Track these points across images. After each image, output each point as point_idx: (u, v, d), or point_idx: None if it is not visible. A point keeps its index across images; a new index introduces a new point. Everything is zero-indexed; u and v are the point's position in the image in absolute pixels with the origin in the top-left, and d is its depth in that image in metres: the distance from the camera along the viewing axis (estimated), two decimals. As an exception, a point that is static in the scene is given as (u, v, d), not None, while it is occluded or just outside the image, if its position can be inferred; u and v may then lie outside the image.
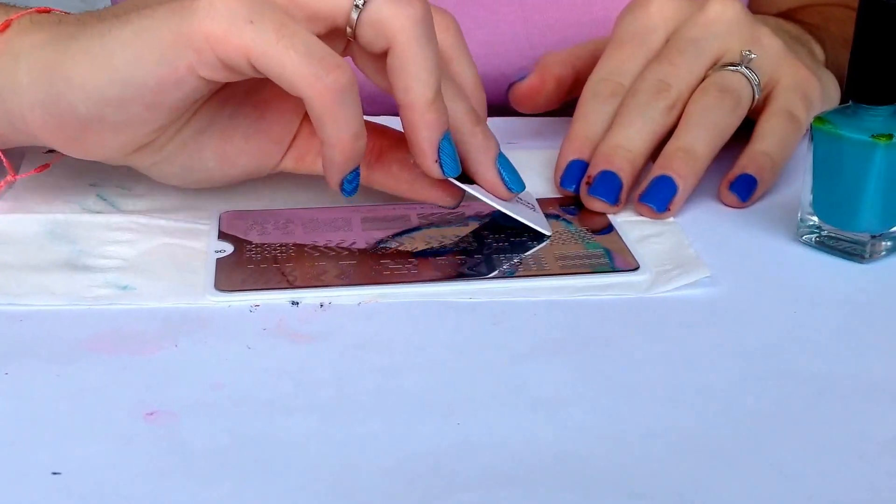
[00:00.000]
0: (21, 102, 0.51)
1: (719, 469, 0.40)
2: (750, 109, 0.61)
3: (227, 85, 0.52)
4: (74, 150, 0.53)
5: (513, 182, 0.55)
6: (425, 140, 0.52)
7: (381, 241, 0.55)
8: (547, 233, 0.55)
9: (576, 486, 0.39)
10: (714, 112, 0.59)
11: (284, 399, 0.44)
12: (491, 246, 0.54)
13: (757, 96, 0.61)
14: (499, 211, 0.55)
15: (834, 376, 0.46)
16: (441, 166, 0.53)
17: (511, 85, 0.67)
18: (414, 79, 0.50)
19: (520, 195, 0.57)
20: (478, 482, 0.39)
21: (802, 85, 0.62)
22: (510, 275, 0.52)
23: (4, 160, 0.57)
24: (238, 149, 0.55)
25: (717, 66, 0.61)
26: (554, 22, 0.73)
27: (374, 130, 0.57)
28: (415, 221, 0.57)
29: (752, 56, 0.61)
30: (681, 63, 0.60)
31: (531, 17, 0.76)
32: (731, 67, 0.61)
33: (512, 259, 0.53)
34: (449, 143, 0.53)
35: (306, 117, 0.57)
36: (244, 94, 0.55)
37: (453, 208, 0.57)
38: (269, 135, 0.56)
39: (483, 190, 0.55)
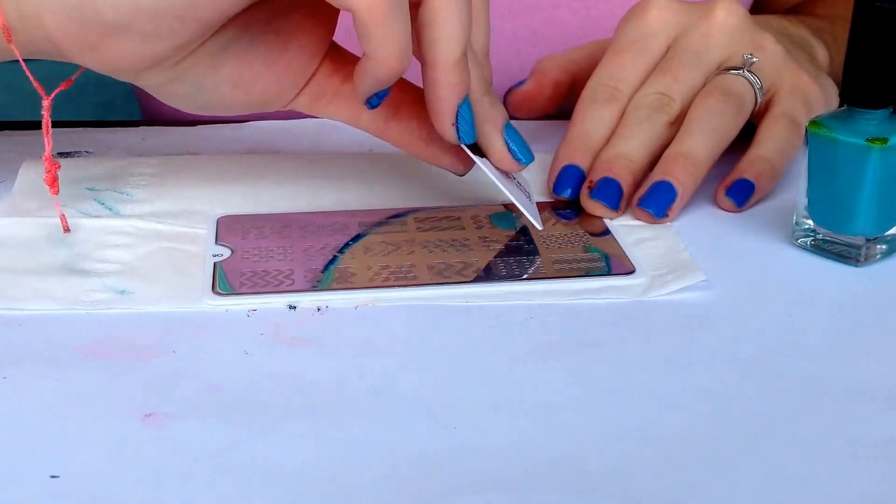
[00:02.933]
0: (39, 3, 0.49)
1: (714, 472, 0.41)
2: (752, 113, 0.61)
3: (251, 7, 0.51)
4: (88, 59, 0.51)
5: (521, 152, 0.54)
6: (445, 101, 0.51)
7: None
8: (538, 226, 0.55)
9: (571, 489, 0.40)
10: (716, 116, 0.59)
11: (281, 402, 0.44)
12: (488, 250, 0.55)
13: (759, 100, 0.61)
14: (503, 196, 0.55)
15: (828, 379, 0.46)
16: (457, 131, 0.52)
17: (509, 91, 0.67)
18: (443, 35, 0.49)
19: (521, 183, 0.56)
20: (473, 485, 0.40)
21: (804, 90, 0.62)
22: (507, 278, 0.52)
23: (33, 80, 0.54)
24: (256, 76, 0.54)
25: (720, 69, 0.61)
26: (541, 29, 0.74)
27: (396, 83, 0.55)
28: (412, 225, 0.57)
29: (754, 59, 0.61)
30: (683, 77, 0.60)
31: (524, 50, 0.76)
32: (734, 71, 0.61)
33: (509, 263, 0.53)
34: (468, 109, 0.52)
35: (327, 56, 0.56)
36: (267, 20, 0.53)
37: (461, 175, 0.57)
38: (289, 66, 0.55)
39: (491, 165, 0.54)
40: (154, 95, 0.55)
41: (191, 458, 0.41)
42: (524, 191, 0.56)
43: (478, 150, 0.55)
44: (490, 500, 0.39)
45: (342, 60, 0.56)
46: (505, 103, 0.67)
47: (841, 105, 0.54)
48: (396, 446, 0.42)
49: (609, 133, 0.60)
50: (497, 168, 0.55)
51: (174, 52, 0.51)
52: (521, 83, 0.67)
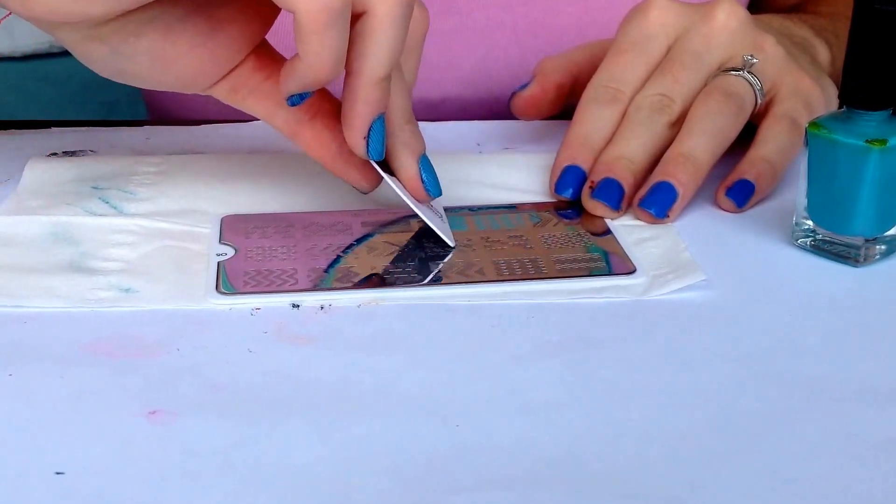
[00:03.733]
0: None
1: (714, 471, 0.41)
2: (752, 114, 0.62)
3: None
4: (13, 4, 0.49)
5: (431, 185, 0.55)
6: (360, 115, 0.52)
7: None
8: (451, 244, 0.55)
9: (572, 488, 0.40)
10: (717, 117, 0.59)
11: (284, 401, 0.44)
12: (490, 250, 0.55)
13: (759, 101, 0.62)
14: (412, 212, 0.55)
15: (828, 379, 0.46)
16: (367, 145, 0.52)
17: (512, 94, 0.67)
18: (374, 50, 0.50)
19: (432, 202, 0.57)
20: (475, 483, 0.40)
21: (805, 92, 0.62)
22: (508, 278, 0.52)
23: None
24: (179, 54, 0.53)
25: (720, 70, 0.62)
26: (548, 47, 0.74)
27: (319, 90, 0.56)
28: (415, 227, 0.57)
29: (754, 60, 0.61)
30: (684, 78, 0.61)
31: (525, 41, 0.76)
32: (734, 72, 0.61)
33: (510, 262, 0.54)
34: (381, 126, 0.52)
35: (255, 51, 0.55)
36: (202, 2, 0.52)
37: (364, 193, 0.57)
38: (214, 53, 0.54)
39: (401, 186, 0.55)
40: (69, 50, 0.53)
41: (194, 456, 0.41)
42: (435, 211, 0.57)
43: (387, 169, 0.55)
44: (492, 498, 0.39)
45: (269, 58, 0.56)
46: (509, 107, 0.67)
47: (840, 106, 0.54)
48: (399, 445, 0.42)
49: (610, 134, 0.60)
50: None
51: (104, 16, 0.50)
52: (524, 86, 0.67)
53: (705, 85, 0.61)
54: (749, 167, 0.60)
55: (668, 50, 0.63)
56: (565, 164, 0.60)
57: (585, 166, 0.60)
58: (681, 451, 0.42)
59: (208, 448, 0.41)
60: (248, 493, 0.39)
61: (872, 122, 0.53)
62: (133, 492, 0.39)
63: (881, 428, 0.43)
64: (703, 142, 0.59)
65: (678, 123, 0.60)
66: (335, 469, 0.41)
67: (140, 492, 0.39)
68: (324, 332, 0.49)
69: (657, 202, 0.58)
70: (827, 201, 0.54)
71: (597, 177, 0.58)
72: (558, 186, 0.60)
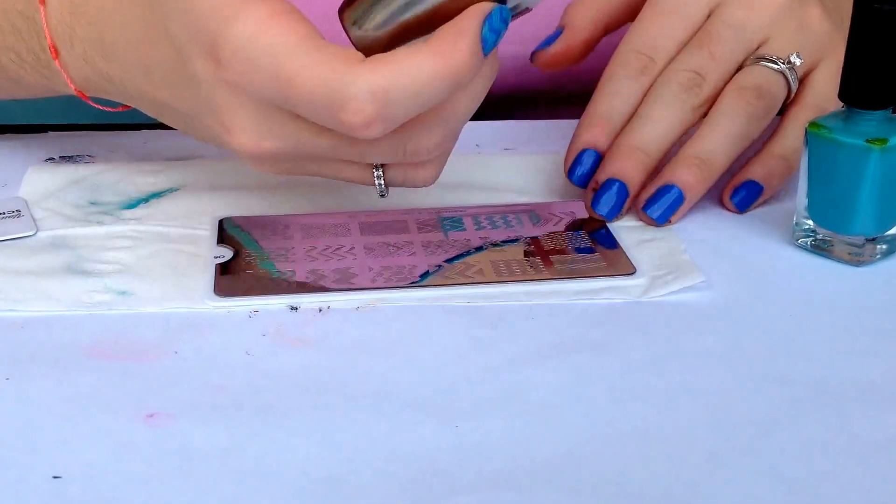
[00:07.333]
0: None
1: (715, 472, 0.41)
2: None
3: None
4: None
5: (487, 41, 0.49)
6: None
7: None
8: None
9: (572, 489, 0.40)
10: (743, 119, 0.57)
11: (283, 403, 0.44)
12: (489, 251, 0.55)
13: (793, 90, 0.59)
14: None
15: (829, 379, 0.46)
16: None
17: (535, 52, 0.63)
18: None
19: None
20: (475, 485, 0.40)
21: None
22: (508, 279, 0.52)
23: None
24: None
25: (759, 54, 0.59)
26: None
27: None
28: (413, 228, 0.57)
29: (799, 61, 0.59)
30: (719, 54, 0.58)
31: None
32: (773, 65, 0.58)
33: (510, 263, 0.54)
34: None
35: None
36: None
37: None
38: None
39: None
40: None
41: (193, 459, 0.41)
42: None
43: None
44: (491, 499, 0.39)
45: None
46: (532, 62, 0.64)
47: (841, 106, 0.54)
48: (398, 446, 0.42)
49: (633, 108, 0.58)
50: None
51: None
52: (548, 42, 0.63)
53: (741, 65, 0.59)
54: (760, 166, 0.59)
55: (709, 15, 0.59)
56: (583, 146, 0.58)
57: (602, 149, 0.58)
58: (681, 451, 0.42)
59: (206, 451, 0.41)
60: (247, 495, 0.39)
61: (873, 121, 0.53)
62: (131, 495, 0.39)
63: (881, 428, 0.43)
64: (721, 144, 0.57)
65: (704, 106, 0.58)
66: (334, 471, 0.40)
67: (138, 495, 0.39)
68: (322, 335, 0.49)
69: (661, 207, 0.57)
70: (827, 201, 0.54)
71: (603, 175, 0.57)
72: (571, 172, 0.58)
